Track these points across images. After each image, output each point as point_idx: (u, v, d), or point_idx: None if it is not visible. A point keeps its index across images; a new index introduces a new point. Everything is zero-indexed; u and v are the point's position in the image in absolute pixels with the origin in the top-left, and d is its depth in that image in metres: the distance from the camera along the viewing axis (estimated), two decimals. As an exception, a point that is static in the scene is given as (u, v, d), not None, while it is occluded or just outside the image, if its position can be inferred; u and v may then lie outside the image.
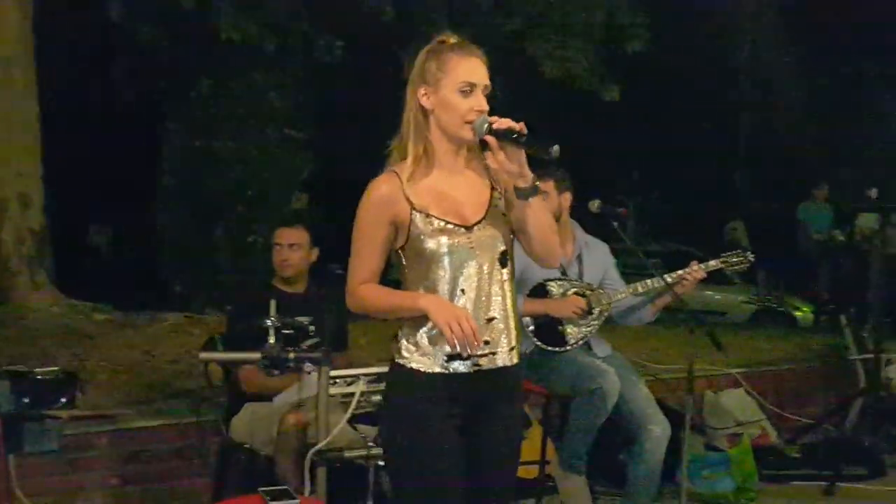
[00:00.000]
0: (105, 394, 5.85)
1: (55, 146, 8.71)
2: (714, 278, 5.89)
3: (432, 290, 3.12)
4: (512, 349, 3.19)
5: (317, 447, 4.05)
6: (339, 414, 4.25)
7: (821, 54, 14.69)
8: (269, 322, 4.17)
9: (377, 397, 4.35)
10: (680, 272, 5.29)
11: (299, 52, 11.14)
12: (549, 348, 5.27)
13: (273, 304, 4.28)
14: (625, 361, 5.55)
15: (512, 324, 3.20)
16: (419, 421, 3.12)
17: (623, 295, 5.39)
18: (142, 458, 5.49)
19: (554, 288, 5.32)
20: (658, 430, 5.30)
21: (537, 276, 5.25)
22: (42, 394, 3.43)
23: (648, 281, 5.33)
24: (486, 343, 3.12)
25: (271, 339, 4.15)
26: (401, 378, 3.18)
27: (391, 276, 3.27)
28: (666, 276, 5.26)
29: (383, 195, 3.14)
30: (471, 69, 3.14)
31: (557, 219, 5.10)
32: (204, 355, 4.35)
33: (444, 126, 3.15)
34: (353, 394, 4.26)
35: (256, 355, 4.17)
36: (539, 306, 5.28)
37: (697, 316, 5.53)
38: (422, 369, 3.13)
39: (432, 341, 3.11)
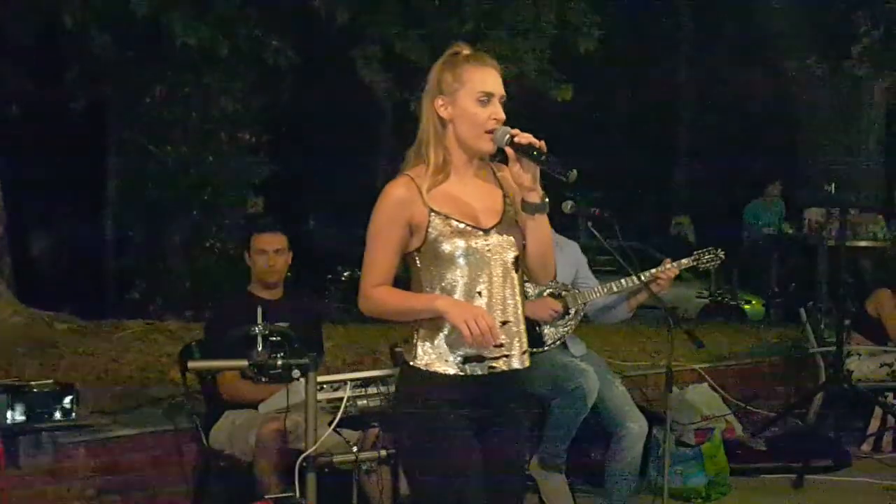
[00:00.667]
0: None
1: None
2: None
3: (449, 292, 3.16)
4: (524, 352, 3.25)
5: (306, 453, 4.03)
6: (321, 419, 4.25)
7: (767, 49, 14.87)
8: (256, 329, 4.14)
9: (363, 402, 4.38)
10: (654, 270, 5.34)
11: (251, 57, 11.07)
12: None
13: (260, 311, 4.25)
14: (600, 360, 5.63)
15: (523, 328, 3.25)
16: (437, 421, 3.15)
17: (598, 294, 5.44)
18: (120, 467, 5.46)
19: (529, 289, 5.34)
20: (636, 427, 5.39)
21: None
22: (38, 407, 3.39)
23: (623, 280, 5.38)
24: (501, 346, 3.16)
25: (259, 347, 4.13)
26: (416, 380, 3.20)
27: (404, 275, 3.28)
28: (641, 273, 5.30)
29: (401, 197, 3.17)
30: (487, 79, 3.18)
31: None
32: (192, 364, 4.32)
33: (463, 135, 3.19)
34: (338, 399, 4.27)
35: (244, 363, 4.15)
36: None
37: (674, 314, 5.56)
38: (438, 371, 3.16)
39: (449, 344, 3.15)
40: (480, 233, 3.18)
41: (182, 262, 11.56)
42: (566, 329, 5.39)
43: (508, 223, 3.24)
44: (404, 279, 3.30)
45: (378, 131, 16.09)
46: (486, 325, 3.02)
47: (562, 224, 5.40)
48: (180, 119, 11.56)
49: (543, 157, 3.09)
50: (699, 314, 13.69)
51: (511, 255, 3.22)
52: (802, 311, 8.53)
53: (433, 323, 3.16)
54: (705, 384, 7.72)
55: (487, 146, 3.17)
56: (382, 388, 4.32)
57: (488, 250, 3.18)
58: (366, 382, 4.35)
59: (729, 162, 17.54)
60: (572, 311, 5.39)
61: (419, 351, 3.19)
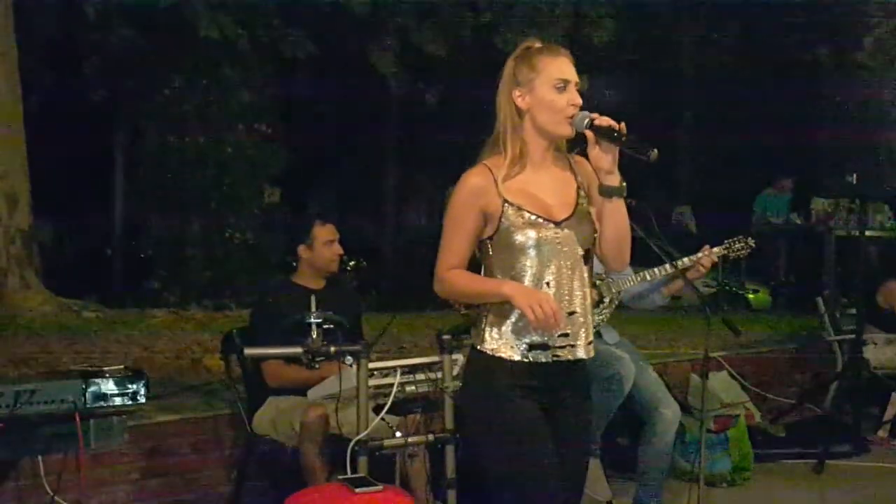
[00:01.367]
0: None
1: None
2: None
3: (518, 281, 3.20)
4: (590, 343, 3.30)
5: (358, 437, 4.11)
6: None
7: (774, 42, 14.90)
8: (311, 317, 4.21)
9: (410, 388, 4.46)
10: (691, 258, 5.40)
11: (269, 48, 11.14)
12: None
13: (314, 299, 4.32)
14: (633, 347, 5.68)
15: (590, 319, 3.31)
16: (504, 402, 3.20)
17: (631, 283, 5.49)
18: (161, 451, 5.51)
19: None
20: (669, 413, 5.45)
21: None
22: (109, 391, 3.47)
23: (656, 269, 5.43)
24: (566, 335, 3.21)
25: (314, 334, 4.20)
26: (483, 364, 3.25)
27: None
28: (678, 261, 5.36)
29: (476, 185, 3.22)
30: (562, 67, 3.23)
31: None
32: (249, 351, 4.38)
33: (542, 123, 3.23)
34: (387, 385, 4.34)
35: (299, 349, 4.21)
36: None
37: (716, 303, 5.60)
38: (504, 357, 3.21)
39: (516, 331, 3.20)
40: (552, 225, 3.22)
41: (201, 251, 11.64)
42: (601, 318, 5.43)
43: (580, 216, 3.27)
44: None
45: (389, 123, 16.16)
46: (550, 310, 3.05)
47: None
48: (199, 110, 11.63)
49: (624, 139, 3.12)
50: (700, 305, 13.69)
51: (583, 247, 3.27)
52: (820, 299, 8.58)
53: (501, 310, 3.22)
54: (724, 372, 7.77)
55: (567, 131, 3.21)
56: (430, 374, 4.40)
57: (559, 242, 3.21)
58: (413, 369, 4.43)
59: (735, 152, 17.57)
60: (606, 300, 5.45)
61: (487, 336, 3.24)
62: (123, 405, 3.51)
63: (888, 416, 7.77)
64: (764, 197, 13.93)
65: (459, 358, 4.44)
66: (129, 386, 3.48)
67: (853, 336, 7.80)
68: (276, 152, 12.21)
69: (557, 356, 3.23)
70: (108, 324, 8.02)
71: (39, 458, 4.48)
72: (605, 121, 3.14)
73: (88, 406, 3.43)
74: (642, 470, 5.42)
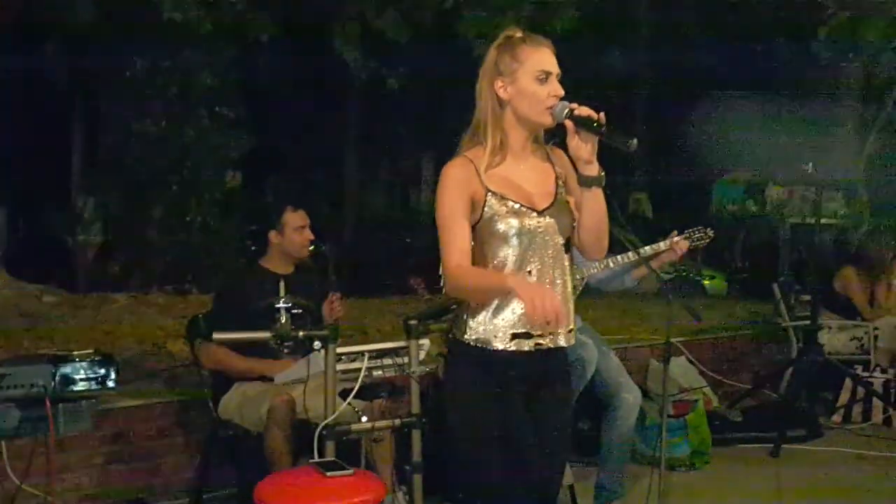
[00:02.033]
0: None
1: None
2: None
3: (500, 268, 3.22)
4: (570, 331, 3.33)
5: (326, 421, 4.12)
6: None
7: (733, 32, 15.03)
8: (280, 302, 4.21)
9: (378, 372, 4.48)
10: (654, 246, 5.45)
11: (233, 31, 11.06)
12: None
13: (283, 284, 4.32)
14: (595, 333, 5.71)
15: (571, 307, 3.33)
16: (488, 391, 3.22)
17: (595, 270, 5.52)
18: (126, 436, 5.51)
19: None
20: (630, 397, 5.51)
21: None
22: (79, 375, 3.46)
23: (619, 257, 5.45)
24: (548, 324, 3.18)
25: (282, 319, 4.19)
26: (465, 354, 3.26)
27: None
28: (643, 248, 5.40)
29: (459, 175, 3.22)
30: (544, 58, 3.23)
31: None
32: (218, 336, 4.36)
33: (524, 113, 3.24)
34: (354, 370, 4.35)
35: (267, 334, 4.21)
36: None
37: (675, 289, 5.63)
38: (487, 346, 3.22)
39: (498, 321, 3.22)
40: (534, 214, 3.24)
41: (162, 236, 11.58)
42: (565, 304, 5.45)
43: (560, 206, 3.29)
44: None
45: (351, 107, 16.15)
46: (551, 307, 3.01)
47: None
48: (161, 93, 11.55)
49: (603, 129, 3.14)
50: (658, 291, 13.81)
51: (563, 236, 3.29)
52: (775, 286, 8.67)
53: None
54: (682, 357, 7.86)
55: (547, 120, 3.22)
56: (397, 359, 4.42)
57: (541, 231, 3.23)
58: (381, 354, 4.44)
59: (690, 139, 17.72)
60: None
61: (468, 326, 3.25)
62: (93, 389, 3.50)
63: (842, 401, 7.88)
64: (722, 185, 14.11)
65: (426, 343, 4.47)
66: (99, 370, 3.47)
67: (808, 322, 7.88)
68: (239, 137, 12.16)
69: (540, 344, 3.25)
70: (69, 308, 7.96)
71: (2, 443, 4.47)
72: (584, 111, 3.15)
73: (58, 391, 3.41)
74: (604, 454, 5.47)
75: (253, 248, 5.50)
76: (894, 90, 11.41)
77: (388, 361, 4.43)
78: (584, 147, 3.17)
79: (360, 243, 16.24)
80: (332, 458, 3.98)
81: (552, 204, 3.28)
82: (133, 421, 5.54)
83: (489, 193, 3.20)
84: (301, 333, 4.20)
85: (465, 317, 3.27)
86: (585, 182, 3.23)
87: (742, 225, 13.03)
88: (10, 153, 10.59)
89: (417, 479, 4.31)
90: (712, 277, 14.03)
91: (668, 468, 5.85)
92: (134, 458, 5.54)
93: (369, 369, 4.37)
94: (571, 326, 3.33)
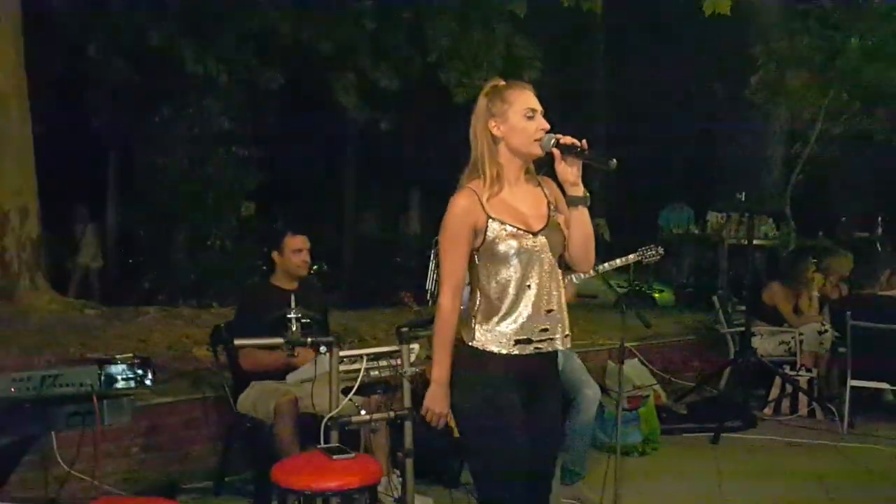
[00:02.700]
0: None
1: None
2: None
3: (504, 285, 3.22)
4: (566, 336, 3.32)
5: (330, 414, 4.15)
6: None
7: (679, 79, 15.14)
8: (292, 313, 4.27)
9: (374, 373, 4.52)
10: (609, 263, 5.53)
11: (246, 83, 11.16)
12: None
13: (293, 298, 4.39)
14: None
15: (566, 315, 3.32)
16: (490, 388, 3.22)
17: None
18: (157, 429, 5.56)
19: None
20: (591, 393, 5.55)
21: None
22: (121, 375, 3.52)
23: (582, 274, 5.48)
24: (546, 330, 3.24)
25: (293, 328, 4.26)
26: (473, 356, 3.26)
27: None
28: (600, 266, 5.47)
29: (464, 206, 3.23)
30: (529, 99, 3.27)
31: None
32: (238, 341, 4.43)
33: (516, 147, 3.26)
34: (355, 370, 4.41)
35: (280, 340, 4.28)
36: None
37: (629, 300, 5.68)
38: (493, 350, 3.22)
39: (503, 329, 3.23)
40: (530, 235, 3.24)
41: (186, 258, 11.64)
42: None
43: (553, 227, 3.30)
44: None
45: (348, 146, 16.20)
46: (435, 418, 3.28)
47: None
48: (185, 135, 11.63)
49: (586, 153, 3.19)
50: (615, 303, 13.83)
51: (556, 252, 3.29)
52: (715, 298, 8.75)
53: (488, 311, 3.24)
54: (636, 359, 7.91)
55: (537, 150, 3.24)
56: (391, 361, 4.47)
57: (537, 249, 3.24)
58: (377, 356, 4.50)
59: (643, 173, 17.80)
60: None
61: (476, 334, 3.24)
62: (132, 388, 3.56)
63: (772, 395, 7.92)
64: (667, 212, 14.16)
65: (416, 347, 4.51)
66: (138, 371, 3.53)
67: (743, 329, 7.95)
68: (252, 172, 12.23)
69: (538, 348, 3.25)
70: (107, 320, 7.97)
71: (53, 434, 4.51)
72: (568, 139, 3.19)
73: (103, 388, 3.47)
74: (569, 441, 5.48)
75: (264, 267, 5.56)
76: (815, 130, 11.53)
77: (383, 363, 4.47)
78: (570, 171, 3.21)
79: (356, 262, 16.30)
80: (338, 444, 4.03)
81: (546, 225, 3.29)
82: (164, 415, 5.60)
83: (490, 219, 3.21)
84: (309, 340, 4.27)
85: (472, 325, 3.26)
86: (573, 202, 3.25)
87: (687, 246, 13.02)
88: (55, 189, 10.61)
89: (409, 464, 4.34)
90: (661, 291, 14.01)
91: (623, 454, 5.86)
92: (165, 448, 5.60)
93: (367, 370, 4.41)
94: (567, 332, 3.32)
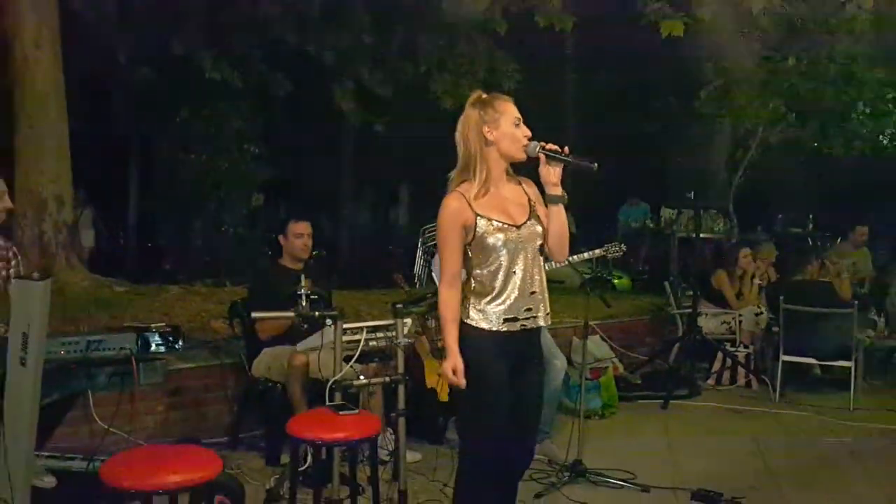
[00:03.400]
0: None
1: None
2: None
3: (493, 272, 3.29)
4: (547, 314, 3.40)
5: (335, 377, 4.22)
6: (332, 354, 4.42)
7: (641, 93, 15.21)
8: (302, 290, 4.34)
9: (373, 343, 4.58)
10: (576, 256, 5.59)
11: (257, 88, 11.18)
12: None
13: (303, 277, 4.45)
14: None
15: (546, 296, 3.41)
16: (482, 357, 3.29)
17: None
18: (180, 391, 5.64)
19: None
20: (559, 363, 5.63)
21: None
22: (155, 341, 3.61)
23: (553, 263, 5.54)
24: (530, 310, 3.32)
25: (303, 303, 4.33)
26: (469, 333, 3.32)
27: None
28: (569, 258, 5.53)
29: (455, 208, 3.29)
30: (514, 110, 3.36)
31: None
32: (256, 314, 4.50)
33: (505, 150, 3.33)
34: (355, 340, 4.48)
35: (291, 314, 4.35)
36: None
37: (592, 285, 5.71)
38: (484, 327, 3.30)
39: (493, 309, 3.30)
40: (515, 228, 3.31)
41: (202, 242, 11.67)
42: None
43: (534, 220, 3.36)
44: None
45: (346, 146, 16.21)
46: (452, 379, 3.27)
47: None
48: (202, 135, 11.64)
49: (569, 158, 3.27)
50: (580, 287, 13.87)
51: (538, 242, 3.36)
52: (667, 283, 8.84)
53: (479, 293, 3.31)
54: (597, 336, 7.98)
55: (522, 155, 3.31)
56: (387, 333, 4.53)
57: (521, 240, 3.30)
58: (375, 329, 4.57)
59: (604, 173, 17.84)
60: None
61: (471, 312, 3.31)
62: (164, 352, 3.64)
63: (715, 368, 8.02)
64: (625, 209, 14.26)
65: (408, 322, 4.57)
66: (169, 338, 3.61)
67: (690, 310, 8.04)
68: (261, 167, 12.26)
69: (524, 325, 3.32)
70: (134, 296, 8.01)
71: (89, 393, 4.58)
72: (552, 146, 3.29)
73: (140, 353, 3.56)
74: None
75: (270, 252, 5.60)
76: (756, 138, 11.65)
77: (380, 335, 4.52)
78: (552, 173, 3.29)
79: (352, 248, 16.34)
80: (342, 402, 4.11)
81: (528, 219, 3.35)
82: (186, 379, 5.66)
83: (478, 217, 3.28)
84: (317, 313, 4.34)
85: (467, 305, 3.33)
86: (552, 200, 3.33)
87: (643, 238, 13.11)
88: (85, 180, 10.58)
89: (402, 423, 4.41)
90: (620, 277, 13.98)
91: (585, 417, 5.94)
92: (187, 407, 5.68)
93: (366, 340, 4.48)
94: (548, 311, 3.39)
